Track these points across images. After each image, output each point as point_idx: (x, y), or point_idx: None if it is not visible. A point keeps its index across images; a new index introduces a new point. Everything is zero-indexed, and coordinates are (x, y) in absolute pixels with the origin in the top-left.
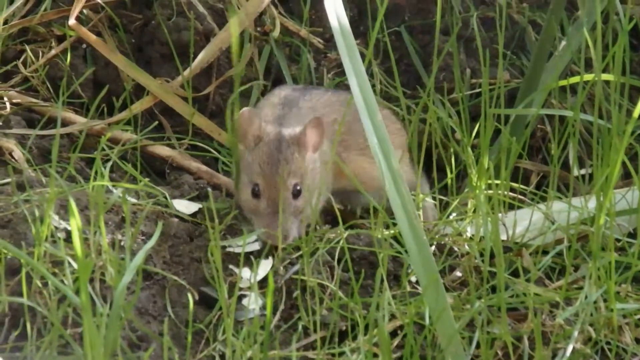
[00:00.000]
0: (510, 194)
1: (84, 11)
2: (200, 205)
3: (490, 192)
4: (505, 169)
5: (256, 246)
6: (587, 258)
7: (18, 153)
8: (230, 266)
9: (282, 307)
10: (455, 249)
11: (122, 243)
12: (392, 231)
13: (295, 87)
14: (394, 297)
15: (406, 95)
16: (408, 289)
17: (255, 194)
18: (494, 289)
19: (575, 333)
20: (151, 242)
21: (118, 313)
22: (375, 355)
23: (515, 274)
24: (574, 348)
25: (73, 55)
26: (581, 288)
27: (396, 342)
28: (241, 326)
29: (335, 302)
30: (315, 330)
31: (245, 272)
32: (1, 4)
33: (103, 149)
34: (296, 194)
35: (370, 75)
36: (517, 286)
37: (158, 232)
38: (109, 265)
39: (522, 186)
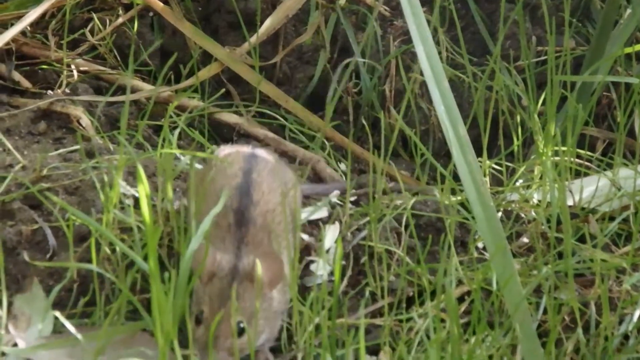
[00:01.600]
0: (577, 160)
1: None
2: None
3: (556, 158)
4: (571, 136)
5: (324, 212)
6: None
7: (86, 120)
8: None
9: (349, 273)
10: (522, 215)
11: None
12: (459, 197)
13: (243, 170)
14: (461, 263)
15: (472, 62)
16: (475, 255)
17: (198, 321)
18: (560, 255)
19: None
20: (218, 208)
21: (186, 279)
22: (443, 320)
23: (582, 240)
24: None
25: (140, 24)
26: None
27: (463, 307)
28: (309, 292)
29: (402, 268)
30: (382, 297)
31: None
32: None
33: (170, 117)
34: (239, 332)
35: (437, 42)
36: (584, 252)
37: (224, 198)
38: (176, 231)
39: (588, 153)
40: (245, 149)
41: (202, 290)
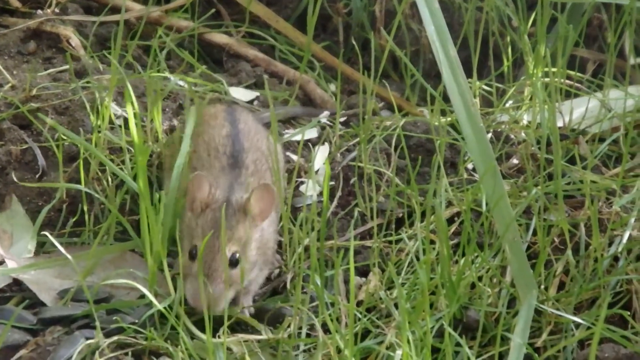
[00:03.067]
0: (567, 81)
1: None
2: (257, 93)
3: (547, 80)
4: (561, 57)
5: (314, 133)
6: None
7: (76, 40)
8: (288, 153)
9: (339, 194)
10: (512, 136)
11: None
12: (449, 118)
13: (235, 122)
14: (450, 184)
15: None
16: (465, 176)
17: (192, 256)
18: (550, 177)
19: (632, 220)
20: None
21: (174, 199)
22: (432, 242)
23: (572, 161)
24: (630, 235)
25: None
26: (638, 176)
27: (453, 229)
28: (298, 213)
29: (392, 189)
30: (372, 218)
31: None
32: None
33: (160, 37)
34: (234, 262)
35: None
36: (573, 173)
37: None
38: (165, 151)
39: (578, 74)
40: (222, 105)
41: (195, 222)
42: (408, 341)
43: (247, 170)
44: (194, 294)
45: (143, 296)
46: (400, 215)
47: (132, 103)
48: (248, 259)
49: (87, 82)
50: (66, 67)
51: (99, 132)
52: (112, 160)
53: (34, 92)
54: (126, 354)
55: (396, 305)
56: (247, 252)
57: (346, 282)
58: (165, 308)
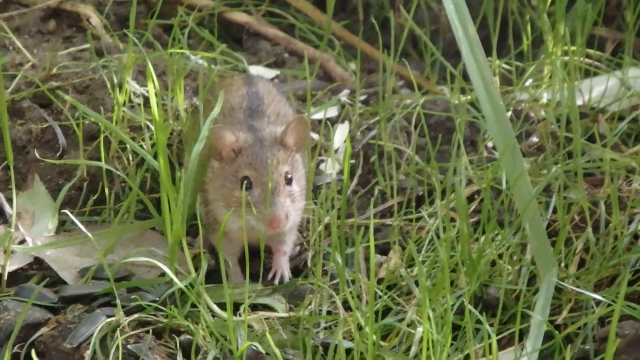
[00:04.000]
0: (586, 60)
1: None
2: (277, 72)
3: (566, 58)
4: (581, 36)
5: (334, 112)
6: None
7: (96, 19)
8: None
9: (359, 172)
10: (532, 114)
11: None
12: (468, 97)
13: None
14: (470, 162)
15: None
16: (485, 154)
17: (247, 187)
18: (570, 155)
19: None
20: (218, 106)
21: (193, 176)
22: (453, 220)
23: (591, 139)
24: None
25: None
26: None
27: (473, 207)
28: (319, 191)
29: (412, 167)
30: (392, 196)
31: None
32: None
33: (180, 15)
34: (289, 181)
35: None
36: (593, 151)
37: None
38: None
39: (597, 52)
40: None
41: (231, 168)
42: (428, 318)
43: (268, 119)
44: (263, 217)
45: (163, 274)
46: (421, 193)
47: (153, 81)
48: (298, 181)
49: (107, 61)
50: (86, 45)
51: (120, 109)
52: (132, 138)
53: (54, 71)
54: (147, 331)
55: (416, 283)
56: (295, 175)
57: (366, 260)
58: (185, 286)
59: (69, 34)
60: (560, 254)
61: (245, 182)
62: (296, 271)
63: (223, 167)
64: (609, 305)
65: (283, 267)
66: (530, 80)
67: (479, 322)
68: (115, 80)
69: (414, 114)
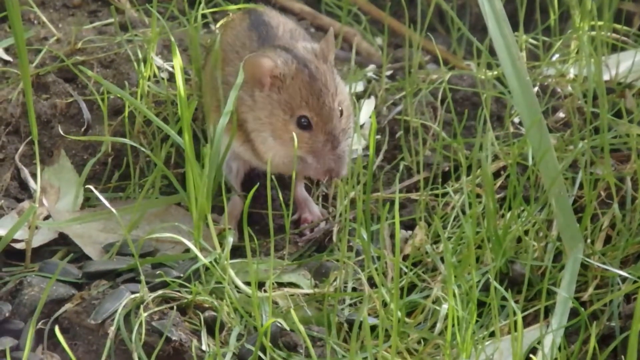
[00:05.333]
0: (614, 35)
1: None
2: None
3: (593, 33)
4: (608, 11)
5: (360, 87)
6: None
7: None
8: None
9: (385, 147)
10: (558, 90)
11: None
12: (495, 72)
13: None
14: (497, 137)
15: None
16: (511, 129)
17: (304, 126)
18: (597, 130)
19: None
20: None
21: (218, 151)
22: (479, 195)
23: (618, 114)
24: None
25: None
26: None
27: (499, 182)
28: None
29: (438, 143)
30: (418, 171)
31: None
32: None
33: None
34: (342, 112)
35: None
36: (620, 127)
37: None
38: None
39: (625, 27)
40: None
41: (277, 97)
42: (454, 295)
43: (281, 39)
44: (339, 166)
45: (188, 250)
46: (447, 169)
47: (177, 55)
48: (347, 107)
49: (132, 35)
50: (111, 20)
51: (145, 84)
52: (157, 113)
53: (79, 45)
54: (171, 308)
55: (442, 259)
56: (345, 102)
57: (392, 236)
58: (210, 262)
59: (94, 8)
60: (586, 230)
61: (303, 120)
62: (321, 247)
63: (269, 95)
64: (635, 282)
65: (310, 203)
66: (557, 55)
67: (504, 299)
68: (140, 55)
69: (440, 89)
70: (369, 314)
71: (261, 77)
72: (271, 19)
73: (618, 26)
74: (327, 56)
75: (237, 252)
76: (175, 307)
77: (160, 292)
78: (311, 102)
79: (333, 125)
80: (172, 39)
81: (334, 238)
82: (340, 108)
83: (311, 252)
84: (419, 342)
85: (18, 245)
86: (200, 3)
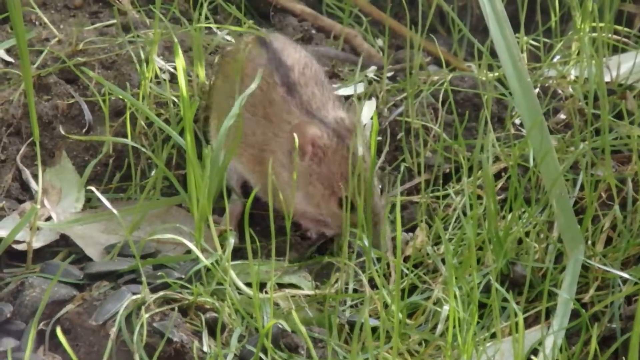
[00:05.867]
0: (615, 36)
1: None
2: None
3: (594, 34)
4: (609, 12)
5: (360, 88)
6: None
7: None
8: None
9: (386, 149)
10: (560, 91)
11: None
12: (496, 73)
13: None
14: (498, 139)
15: None
16: (512, 131)
17: (352, 207)
18: (597, 131)
19: None
20: (255, 84)
21: (221, 154)
22: (480, 197)
23: (619, 116)
24: None
25: None
26: None
27: (500, 184)
28: None
29: (440, 144)
30: (419, 173)
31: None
32: None
33: None
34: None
35: None
36: (621, 128)
37: (259, 76)
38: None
39: (626, 29)
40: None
41: (319, 168)
42: (455, 296)
43: (303, 87)
44: (379, 240)
45: (189, 251)
46: (447, 170)
47: (180, 56)
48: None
49: (134, 37)
50: (113, 21)
51: (147, 85)
52: (158, 114)
53: (80, 46)
54: (172, 309)
55: (443, 261)
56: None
57: (393, 237)
58: (211, 263)
59: (95, 9)
60: (587, 232)
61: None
62: (322, 248)
63: (310, 165)
64: (636, 283)
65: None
66: (558, 57)
67: (505, 300)
68: (142, 56)
69: (441, 90)
70: (370, 316)
71: (304, 144)
72: (287, 57)
73: (619, 27)
74: (353, 129)
75: (238, 253)
76: (176, 308)
77: (161, 293)
78: (352, 182)
79: (374, 204)
80: (175, 39)
81: (335, 239)
82: (380, 185)
83: (312, 254)
84: (420, 344)
85: (19, 247)
86: (202, 5)
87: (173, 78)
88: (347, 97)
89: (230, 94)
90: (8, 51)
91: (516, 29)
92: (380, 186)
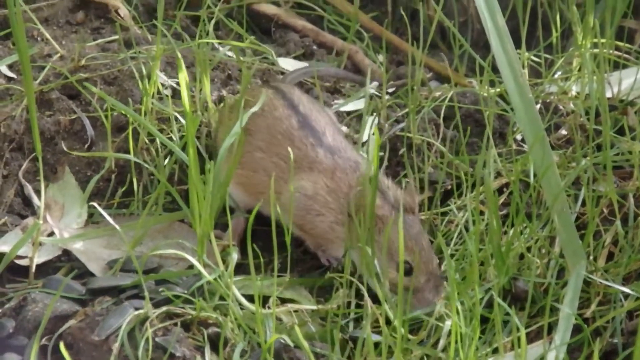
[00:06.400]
0: (616, 52)
1: None
2: (306, 64)
3: (595, 50)
4: (610, 28)
5: (362, 104)
6: None
7: (124, 10)
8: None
9: (386, 164)
10: (561, 107)
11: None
12: (497, 89)
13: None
14: (499, 154)
15: None
16: (514, 146)
17: (407, 272)
18: (599, 147)
19: None
20: (260, 103)
21: (223, 170)
22: (482, 212)
23: (620, 132)
24: None
25: None
26: None
27: (502, 199)
28: None
29: (445, 159)
30: (421, 188)
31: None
32: None
33: (209, 7)
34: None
35: None
36: (622, 144)
37: (264, 96)
38: (214, 121)
39: (627, 45)
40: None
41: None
42: (457, 311)
43: (339, 152)
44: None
45: (192, 266)
46: (449, 186)
47: (183, 71)
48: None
49: (136, 52)
50: (114, 37)
51: (149, 101)
52: (160, 130)
53: (82, 62)
54: (175, 324)
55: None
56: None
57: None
58: (214, 278)
59: (97, 25)
60: (588, 247)
61: (407, 267)
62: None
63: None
64: (638, 298)
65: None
66: (559, 73)
67: (507, 315)
68: (144, 72)
69: (443, 106)
70: (372, 331)
71: (359, 208)
72: (317, 124)
73: (620, 43)
74: (413, 209)
75: (240, 268)
76: (179, 323)
77: (164, 308)
78: (411, 247)
79: (434, 267)
80: (179, 55)
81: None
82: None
83: (314, 269)
84: (422, 359)
85: (22, 262)
86: (204, 21)
87: (175, 94)
88: (349, 113)
89: (257, 147)
90: (10, 67)
91: (517, 45)
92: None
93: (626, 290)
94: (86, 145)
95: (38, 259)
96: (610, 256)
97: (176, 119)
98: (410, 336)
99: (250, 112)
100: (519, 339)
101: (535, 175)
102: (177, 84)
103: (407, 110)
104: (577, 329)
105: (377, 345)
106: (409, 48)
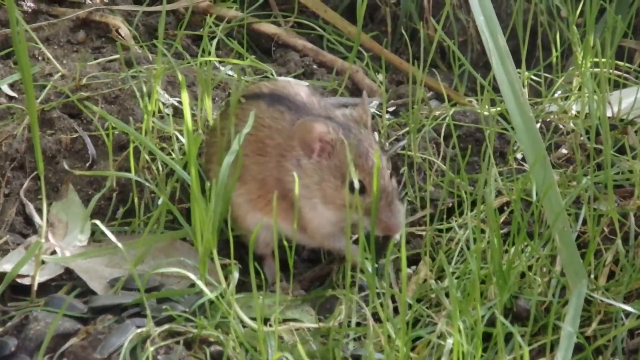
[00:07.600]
0: (616, 72)
1: None
2: (306, 83)
3: (595, 70)
4: (610, 47)
5: None
6: None
7: (125, 30)
8: None
9: None
10: (561, 126)
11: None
12: (498, 108)
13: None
14: (500, 173)
15: None
16: (514, 165)
17: (360, 191)
18: (600, 166)
19: None
20: (250, 123)
21: (224, 188)
22: (483, 231)
23: (621, 151)
24: None
25: None
26: None
27: (503, 218)
28: None
29: (446, 178)
30: (422, 207)
31: None
32: None
33: (209, 27)
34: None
35: None
36: (622, 163)
37: (252, 115)
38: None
39: (627, 64)
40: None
41: (328, 163)
42: (459, 330)
43: (313, 106)
44: (398, 221)
45: (193, 285)
46: (450, 204)
47: (184, 90)
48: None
49: (137, 71)
50: (115, 56)
51: (150, 119)
52: (162, 148)
53: (83, 81)
54: (177, 342)
55: (447, 294)
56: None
57: (396, 271)
58: (216, 296)
59: (98, 44)
60: (590, 266)
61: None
62: (325, 281)
63: (319, 161)
64: (639, 317)
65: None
66: (559, 92)
67: (509, 333)
68: (145, 91)
69: (443, 125)
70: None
71: (311, 142)
72: (290, 91)
73: (620, 63)
74: (366, 122)
75: (242, 286)
76: (181, 342)
77: (166, 326)
78: (361, 165)
79: (385, 184)
80: (179, 75)
81: (333, 274)
82: (389, 169)
83: (315, 287)
84: None
85: (24, 280)
86: (204, 40)
87: (176, 112)
88: None
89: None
90: (11, 86)
91: (517, 64)
92: (389, 170)
93: (627, 308)
94: (87, 164)
95: (40, 278)
96: (611, 275)
97: (177, 137)
98: (412, 354)
99: (243, 133)
100: (522, 357)
101: (536, 194)
102: (178, 102)
103: (407, 129)
104: (578, 348)
105: None
106: (409, 67)
